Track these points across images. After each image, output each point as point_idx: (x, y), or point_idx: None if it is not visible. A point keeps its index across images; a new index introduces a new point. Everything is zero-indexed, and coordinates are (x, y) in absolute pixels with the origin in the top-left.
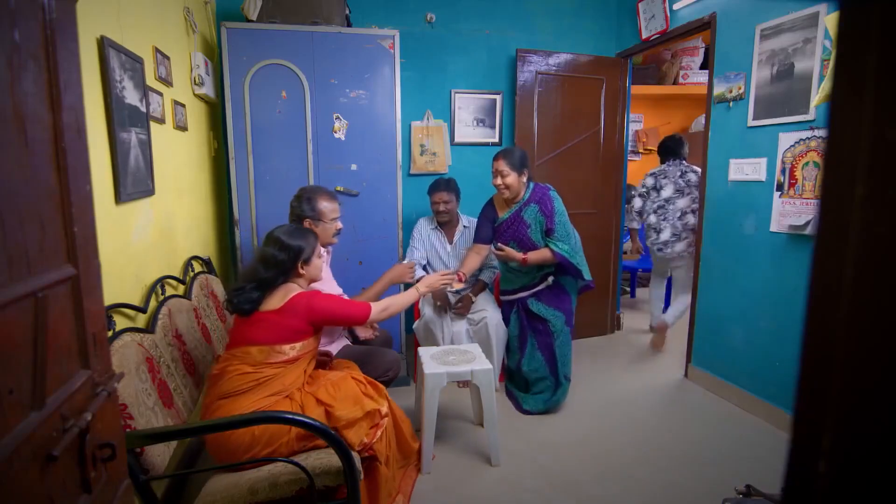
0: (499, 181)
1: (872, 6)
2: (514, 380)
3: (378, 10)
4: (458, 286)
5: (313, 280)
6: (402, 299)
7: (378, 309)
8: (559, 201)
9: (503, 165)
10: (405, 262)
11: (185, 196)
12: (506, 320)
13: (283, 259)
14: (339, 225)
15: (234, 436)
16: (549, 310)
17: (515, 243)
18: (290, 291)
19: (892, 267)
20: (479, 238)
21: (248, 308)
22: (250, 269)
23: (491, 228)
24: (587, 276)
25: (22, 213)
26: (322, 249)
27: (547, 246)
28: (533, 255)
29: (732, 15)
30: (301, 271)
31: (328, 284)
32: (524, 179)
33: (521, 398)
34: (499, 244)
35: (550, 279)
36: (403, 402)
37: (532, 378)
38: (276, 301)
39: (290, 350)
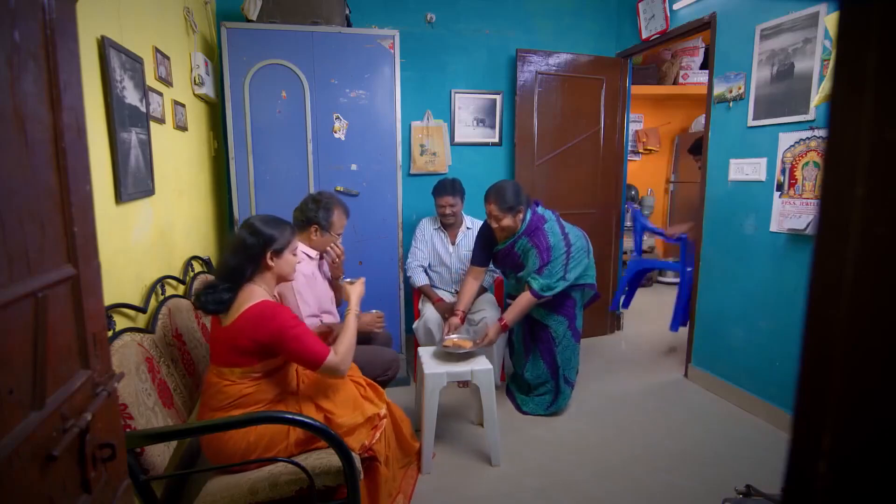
0: (495, 225)
1: (872, 6)
2: (517, 381)
3: (378, 10)
4: (456, 323)
5: (283, 278)
6: (349, 336)
7: (336, 361)
8: (556, 235)
9: (496, 211)
10: (373, 312)
11: (185, 196)
12: (509, 332)
13: (252, 244)
14: (339, 241)
15: (231, 443)
16: (550, 315)
17: (512, 271)
18: (251, 298)
19: (892, 267)
20: (476, 261)
21: (212, 309)
22: (222, 259)
23: (489, 252)
24: (590, 279)
25: (22, 213)
26: (313, 252)
27: (527, 284)
28: (510, 316)
29: (732, 15)
30: (270, 262)
31: (311, 294)
32: (520, 217)
33: (521, 400)
34: (476, 342)
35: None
36: (403, 402)
37: (535, 384)
38: (233, 312)
39: (262, 367)
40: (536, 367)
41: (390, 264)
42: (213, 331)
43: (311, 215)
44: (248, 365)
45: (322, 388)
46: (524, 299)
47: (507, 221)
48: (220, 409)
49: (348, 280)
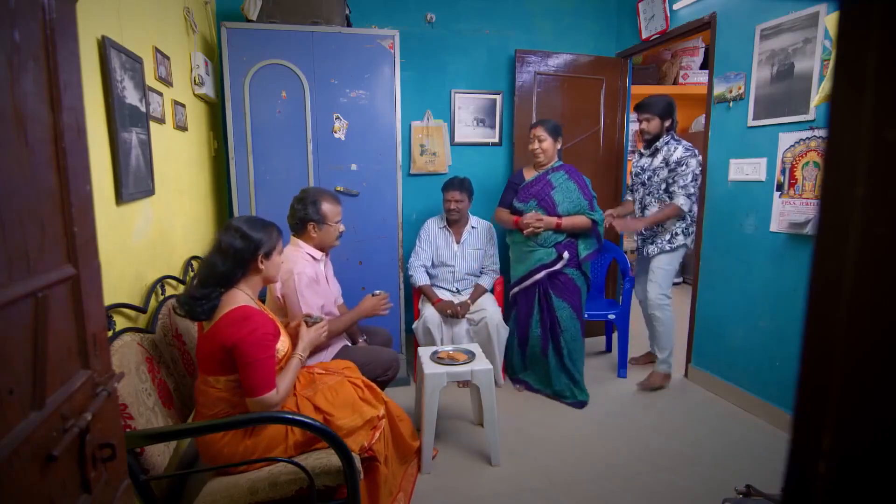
0: (536, 146)
1: (872, 6)
2: (533, 367)
3: (378, 10)
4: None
5: (269, 280)
6: (290, 378)
7: (275, 401)
8: (585, 179)
9: (541, 131)
10: (377, 293)
11: (185, 196)
12: (525, 318)
13: (243, 249)
14: (342, 227)
15: (227, 449)
16: (557, 299)
17: (536, 201)
18: (231, 302)
19: (892, 267)
20: (503, 202)
21: (204, 317)
22: (208, 264)
23: (514, 192)
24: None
25: (22, 213)
26: (317, 254)
27: (584, 215)
28: (567, 222)
29: (732, 15)
30: (260, 266)
31: (315, 294)
32: (558, 146)
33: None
34: (525, 221)
35: (566, 254)
36: (403, 402)
37: (533, 349)
38: (215, 316)
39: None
40: (535, 330)
41: (390, 264)
42: (198, 337)
43: (302, 214)
44: (230, 374)
45: (321, 389)
46: (583, 219)
47: (548, 144)
48: (212, 416)
49: (311, 318)
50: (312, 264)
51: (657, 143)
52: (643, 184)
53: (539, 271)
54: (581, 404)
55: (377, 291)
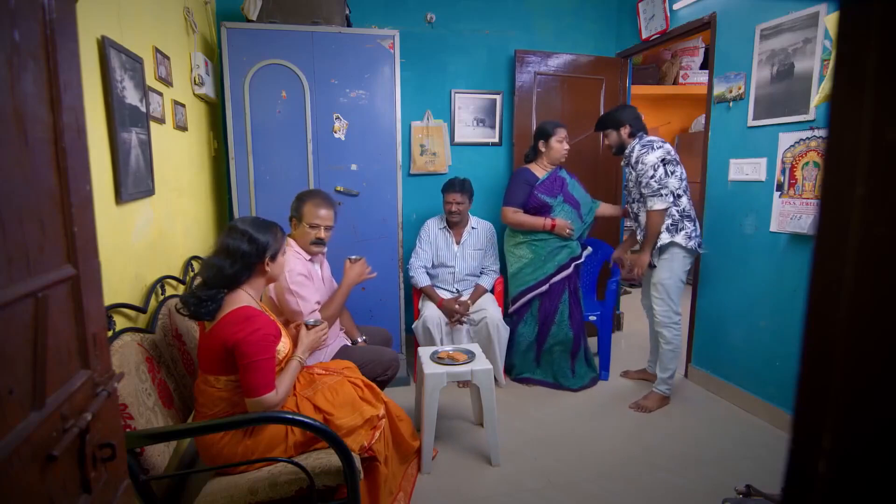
0: (567, 146)
1: (872, 6)
2: (550, 359)
3: (378, 10)
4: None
5: (273, 280)
6: (289, 379)
7: (274, 402)
8: None
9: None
10: (353, 257)
11: (185, 196)
12: (550, 315)
13: (250, 252)
14: (322, 234)
15: (226, 450)
16: (581, 293)
17: (562, 196)
18: (234, 302)
19: (892, 267)
20: (515, 202)
21: (207, 318)
22: (214, 266)
23: (528, 190)
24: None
25: (22, 213)
26: (304, 253)
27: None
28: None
29: (732, 15)
30: (266, 268)
31: (312, 291)
32: None
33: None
34: (568, 230)
35: (590, 248)
36: (403, 402)
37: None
38: (217, 316)
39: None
40: (564, 327)
41: (390, 264)
42: (199, 337)
43: (291, 210)
44: (230, 374)
45: (321, 389)
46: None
47: None
48: (212, 416)
49: (311, 322)
50: (303, 262)
51: (625, 151)
52: (629, 194)
53: (569, 266)
54: (594, 381)
55: (353, 256)
